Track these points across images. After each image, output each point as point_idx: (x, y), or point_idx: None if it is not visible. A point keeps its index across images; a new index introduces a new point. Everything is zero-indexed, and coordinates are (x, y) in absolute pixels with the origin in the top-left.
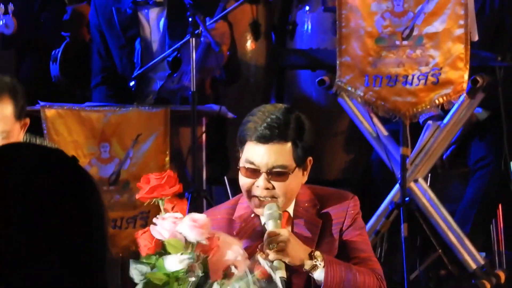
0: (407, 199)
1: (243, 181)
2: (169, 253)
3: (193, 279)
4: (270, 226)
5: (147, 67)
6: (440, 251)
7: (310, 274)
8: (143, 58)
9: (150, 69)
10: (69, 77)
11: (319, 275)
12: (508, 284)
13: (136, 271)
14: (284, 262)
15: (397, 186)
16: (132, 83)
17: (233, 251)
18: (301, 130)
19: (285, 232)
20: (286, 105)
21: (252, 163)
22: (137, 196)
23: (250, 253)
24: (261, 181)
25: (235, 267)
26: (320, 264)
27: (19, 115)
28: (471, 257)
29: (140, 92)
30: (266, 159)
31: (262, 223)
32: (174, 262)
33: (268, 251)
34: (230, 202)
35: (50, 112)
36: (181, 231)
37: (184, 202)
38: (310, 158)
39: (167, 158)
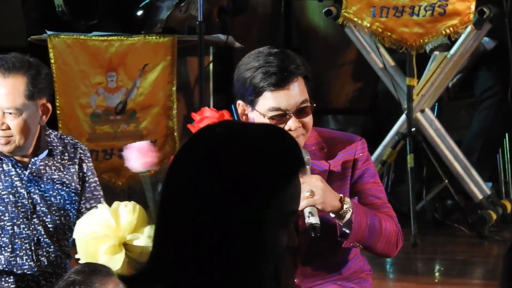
0: (413, 129)
1: None
2: None
3: None
4: None
5: None
6: (446, 181)
7: (338, 220)
8: None
9: None
10: (72, 7)
11: (346, 221)
12: None
13: None
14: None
15: (404, 116)
16: (139, 12)
17: None
18: (304, 64)
19: (317, 178)
20: (270, 47)
21: (278, 109)
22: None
23: None
24: (292, 123)
25: None
26: (349, 209)
27: (32, 95)
28: (477, 187)
29: (147, 21)
30: (292, 100)
31: None
32: None
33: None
34: None
35: (57, 42)
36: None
37: None
38: None
39: (174, 88)
